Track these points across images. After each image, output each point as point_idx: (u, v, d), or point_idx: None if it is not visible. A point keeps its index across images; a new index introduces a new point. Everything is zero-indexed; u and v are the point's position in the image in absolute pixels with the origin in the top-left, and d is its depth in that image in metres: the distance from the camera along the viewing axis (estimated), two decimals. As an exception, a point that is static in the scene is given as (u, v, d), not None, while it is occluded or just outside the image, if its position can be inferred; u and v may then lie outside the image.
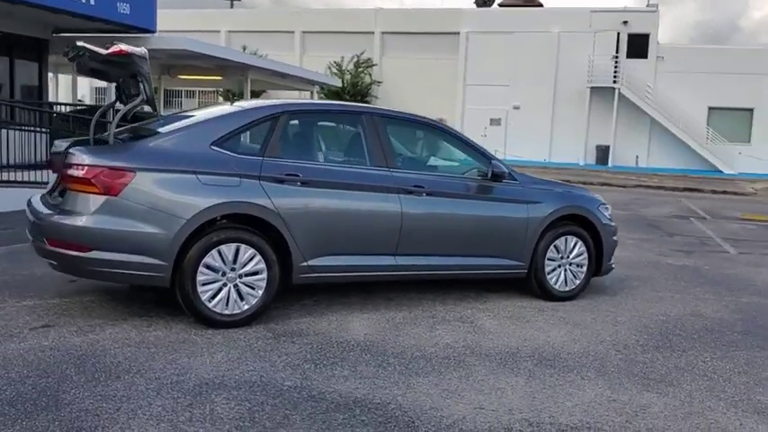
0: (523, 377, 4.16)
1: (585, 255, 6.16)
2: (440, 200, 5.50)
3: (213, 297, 4.68)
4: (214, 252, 4.65)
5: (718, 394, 4.07)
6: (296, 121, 5.38)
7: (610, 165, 30.21)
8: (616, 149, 30.72)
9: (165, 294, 4.92)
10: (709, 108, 30.60)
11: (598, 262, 6.25)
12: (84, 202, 4.45)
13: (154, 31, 13.30)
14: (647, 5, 32.54)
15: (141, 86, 4.68)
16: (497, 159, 5.81)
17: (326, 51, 33.48)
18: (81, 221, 4.42)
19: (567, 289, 6.09)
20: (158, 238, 4.49)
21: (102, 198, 4.42)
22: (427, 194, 5.42)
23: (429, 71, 32.77)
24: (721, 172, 29.18)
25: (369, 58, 33.63)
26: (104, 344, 4.30)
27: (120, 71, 4.74)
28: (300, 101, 5.61)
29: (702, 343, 5.07)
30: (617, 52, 30.95)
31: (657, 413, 3.73)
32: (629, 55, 30.86)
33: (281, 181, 4.88)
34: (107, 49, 4.51)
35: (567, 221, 6.06)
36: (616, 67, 30.73)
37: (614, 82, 30.62)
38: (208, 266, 4.64)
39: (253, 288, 4.79)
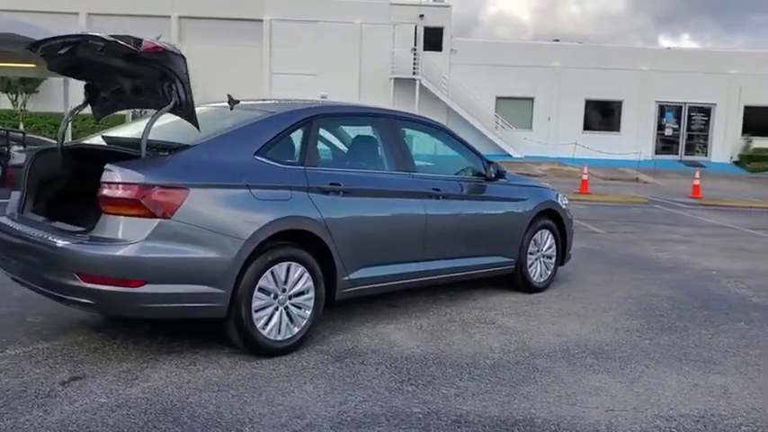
0: (603, 373, 4.30)
1: (554, 246, 6.49)
2: (453, 202, 5.46)
3: (267, 323, 4.20)
4: (268, 273, 4.16)
5: (761, 367, 4.57)
6: (325, 126, 4.96)
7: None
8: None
9: (157, 322, 4.45)
10: (497, 97, 33.38)
11: (563, 252, 6.63)
12: (132, 227, 3.71)
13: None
14: (434, 0, 34.52)
15: (174, 90, 3.99)
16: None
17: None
18: (130, 251, 3.68)
19: (543, 280, 6.38)
20: (216, 263, 3.90)
21: (155, 221, 3.73)
22: (443, 197, 5.34)
23: (233, 59, 31.63)
24: (510, 156, 32.02)
25: (165, 44, 31.56)
26: (169, 392, 3.65)
27: (150, 72, 4.00)
28: (322, 103, 5.17)
29: (692, 322, 5.61)
30: (415, 45, 32.48)
31: (738, 393, 4.09)
32: (427, 47, 32.55)
33: (326, 192, 4.49)
34: (135, 44, 3.76)
35: (542, 216, 6.33)
36: (415, 59, 32.25)
37: (414, 73, 32.12)
38: (262, 290, 4.14)
39: (301, 308, 4.37)
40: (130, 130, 4.98)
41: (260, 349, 4.18)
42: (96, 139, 4.84)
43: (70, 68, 4.48)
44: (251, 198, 4.09)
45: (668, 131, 34.93)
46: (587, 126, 33.91)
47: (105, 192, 3.73)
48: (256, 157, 4.24)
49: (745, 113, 34.41)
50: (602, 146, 30.60)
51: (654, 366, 4.47)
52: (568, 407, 3.75)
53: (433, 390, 3.89)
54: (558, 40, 36.73)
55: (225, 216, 3.97)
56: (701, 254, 9.12)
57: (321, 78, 31.86)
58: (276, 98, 5.93)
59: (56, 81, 29.62)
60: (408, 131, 5.52)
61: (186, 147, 4.06)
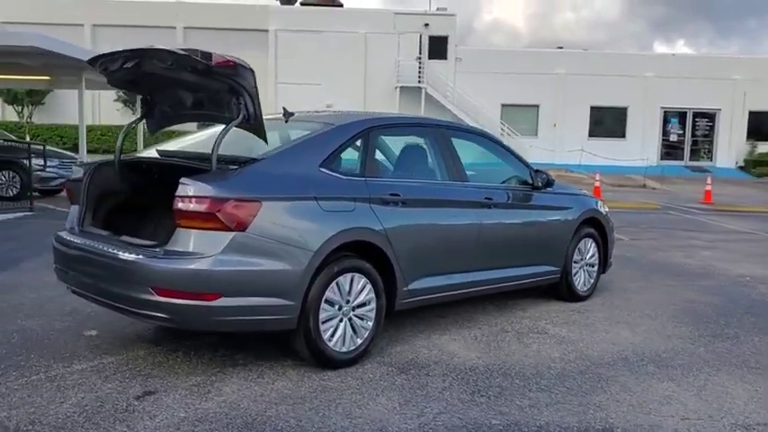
0: (668, 381, 4.28)
1: (597, 255, 6.50)
2: (504, 211, 5.46)
3: (333, 335, 4.19)
4: (333, 285, 4.16)
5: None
6: (382, 137, 4.97)
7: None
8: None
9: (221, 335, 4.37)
10: (502, 105, 33.47)
11: (605, 260, 6.62)
12: (207, 240, 3.71)
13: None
14: (437, 9, 34.62)
15: (242, 104, 3.99)
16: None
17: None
18: (206, 264, 3.67)
19: (586, 289, 6.38)
20: (288, 275, 3.90)
21: (229, 235, 3.72)
22: (495, 206, 5.34)
23: (239, 69, 31.69)
24: (516, 163, 32.04)
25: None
26: (245, 405, 3.63)
27: (218, 85, 4.00)
28: (377, 114, 5.19)
29: (741, 329, 5.61)
30: (420, 53, 32.57)
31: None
32: (432, 56, 32.66)
33: (386, 202, 4.49)
34: (206, 58, 3.76)
35: (586, 224, 6.33)
36: (420, 67, 32.34)
37: (419, 82, 32.21)
38: (328, 301, 4.14)
39: (363, 320, 4.36)
40: (181, 144, 4.99)
41: (326, 361, 4.17)
42: (150, 153, 4.85)
43: (131, 82, 4.48)
44: (318, 210, 4.09)
45: (673, 137, 35.01)
46: (592, 133, 33.96)
47: (180, 205, 3.72)
48: (321, 168, 4.25)
49: (749, 119, 34.50)
50: (607, 152, 30.68)
51: (716, 374, 4.46)
52: (644, 416, 3.74)
53: (506, 401, 3.87)
54: (561, 48, 36.86)
55: (295, 228, 3.97)
56: (729, 260, 9.12)
57: (326, 87, 31.92)
58: (329, 110, 5.98)
59: (62, 93, 29.76)
60: (464, 142, 5.52)
61: (254, 160, 4.06)
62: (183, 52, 3.77)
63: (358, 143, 4.57)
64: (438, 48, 32.81)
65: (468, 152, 5.90)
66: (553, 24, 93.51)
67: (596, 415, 3.72)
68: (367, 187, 4.42)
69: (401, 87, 32.18)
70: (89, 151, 16.62)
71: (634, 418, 3.69)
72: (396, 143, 5.28)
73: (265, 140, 4.13)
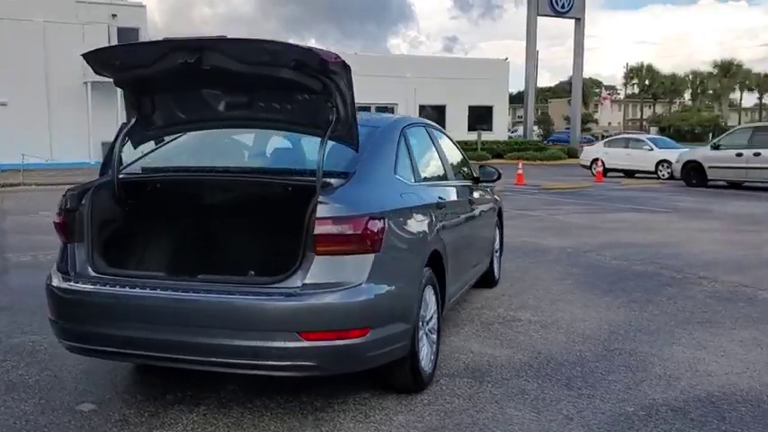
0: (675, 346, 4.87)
1: (498, 239, 6.90)
2: (476, 207, 5.48)
3: (422, 354, 3.86)
4: (422, 299, 3.83)
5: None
6: (412, 137, 4.55)
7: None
8: (128, 146, 29.85)
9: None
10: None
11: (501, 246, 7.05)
12: (352, 266, 3.16)
13: None
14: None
15: (336, 106, 3.40)
16: None
17: None
18: (356, 294, 3.12)
19: (498, 274, 6.74)
20: (409, 295, 3.51)
21: (370, 257, 3.20)
22: (473, 203, 5.37)
23: None
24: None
25: None
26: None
27: (321, 86, 3.34)
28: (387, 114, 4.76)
29: (642, 291, 6.53)
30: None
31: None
32: (126, 49, 30.17)
33: (440, 207, 4.25)
34: (318, 54, 3.13)
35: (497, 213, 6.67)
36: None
37: (113, 77, 29.52)
38: (420, 318, 3.81)
39: (432, 334, 4.09)
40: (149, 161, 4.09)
41: (421, 383, 3.84)
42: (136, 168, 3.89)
43: (145, 81, 3.53)
44: (414, 221, 3.74)
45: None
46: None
47: (322, 229, 3.09)
48: (396, 176, 3.87)
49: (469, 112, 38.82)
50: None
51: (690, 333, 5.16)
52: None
53: (602, 386, 4.02)
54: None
55: (407, 242, 3.61)
56: (536, 236, 10.23)
57: (1, 83, 27.45)
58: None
59: None
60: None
61: (346, 173, 3.53)
62: (306, 48, 3.13)
63: (402, 145, 4.22)
64: (129, 40, 30.39)
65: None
66: (192, 18, 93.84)
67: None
68: (426, 193, 4.16)
69: (92, 83, 29.09)
70: None
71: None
72: (425, 142, 4.94)
73: (356, 148, 3.60)
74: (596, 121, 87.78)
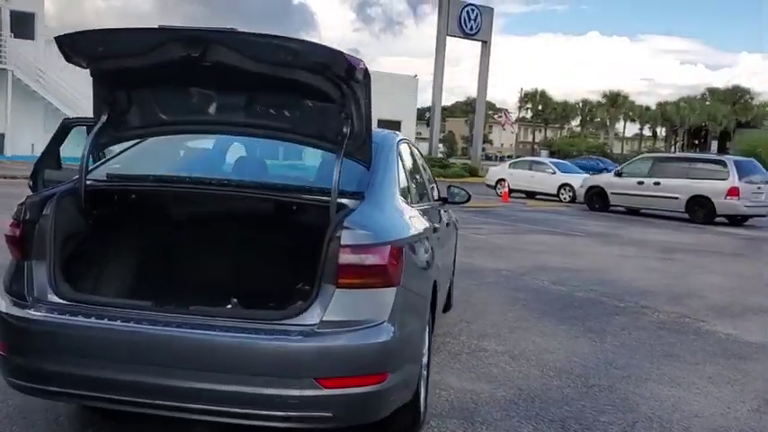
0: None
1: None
2: (449, 230, 5.24)
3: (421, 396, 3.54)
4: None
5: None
6: (404, 154, 4.17)
7: (9, 154, 27.08)
8: (15, 137, 27.67)
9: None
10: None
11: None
12: (373, 301, 2.79)
13: None
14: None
15: (351, 117, 3.02)
16: None
17: None
18: (381, 334, 2.75)
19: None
20: (420, 332, 3.18)
21: (392, 291, 2.85)
22: (448, 225, 5.13)
23: None
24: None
25: None
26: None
27: (340, 94, 2.94)
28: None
29: (583, 311, 6.51)
30: (1, 30, 27.64)
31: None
32: (18, 35, 28.01)
33: (435, 231, 3.97)
34: (347, 59, 2.76)
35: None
36: (1, 46, 27.45)
37: (1, 62, 27.33)
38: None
39: (424, 370, 3.74)
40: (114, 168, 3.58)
41: (418, 425, 3.53)
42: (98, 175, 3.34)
43: (126, 73, 3.02)
44: (422, 248, 3.43)
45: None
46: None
47: (348, 258, 2.70)
48: (401, 197, 3.53)
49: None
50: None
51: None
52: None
53: (598, 429, 3.86)
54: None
55: (418, 273, 3.29)
56: (468, 256, 10.07)
57: None
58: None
59: None
60: None
61: (359, 193, 3.16)
62: (337, 49, 2.75)
63: (399, 163, 3.87)
64: (23, 26, 28.28)
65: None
66: (85, 10, 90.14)
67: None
68: (423, 215, 3.84)
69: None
70: None
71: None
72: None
73: (368, 165, 3.24)
74: (491, 142, 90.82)
